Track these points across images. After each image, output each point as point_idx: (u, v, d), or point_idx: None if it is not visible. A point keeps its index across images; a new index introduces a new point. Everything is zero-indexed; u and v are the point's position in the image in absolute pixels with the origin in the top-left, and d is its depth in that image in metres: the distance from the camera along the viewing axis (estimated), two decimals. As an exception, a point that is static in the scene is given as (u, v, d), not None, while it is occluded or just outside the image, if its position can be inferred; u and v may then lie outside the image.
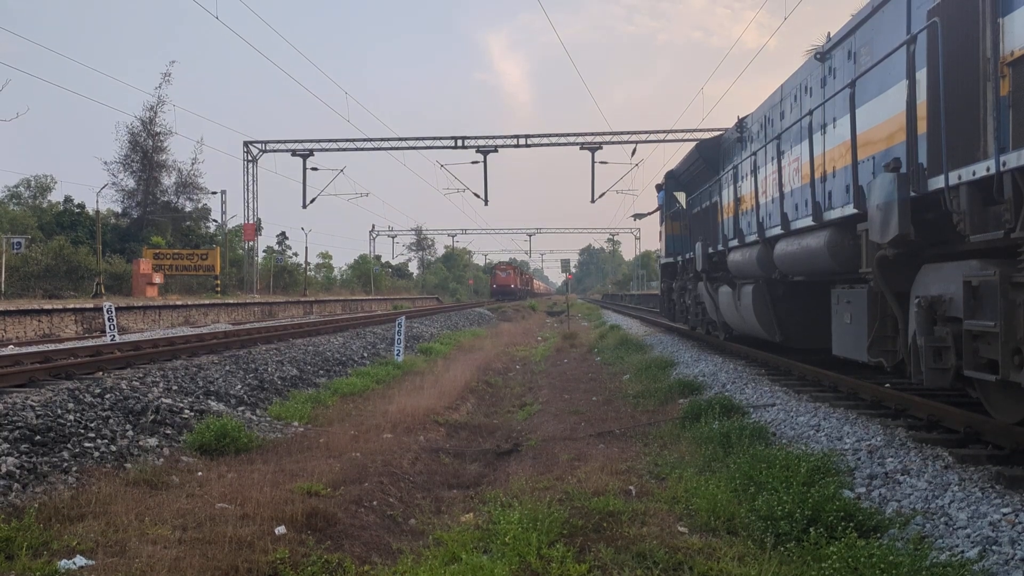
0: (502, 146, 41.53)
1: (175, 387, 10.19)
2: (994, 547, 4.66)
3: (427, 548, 5.53)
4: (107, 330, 17.96)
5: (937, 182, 6.37)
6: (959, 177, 5.99)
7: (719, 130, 27.97)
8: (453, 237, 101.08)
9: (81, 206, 51.94)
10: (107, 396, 8.71)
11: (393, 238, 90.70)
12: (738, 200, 13.88)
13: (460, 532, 5.70)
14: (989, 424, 6.70)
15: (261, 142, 44.20)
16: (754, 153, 12.57)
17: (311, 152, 42.84)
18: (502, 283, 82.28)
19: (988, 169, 5.56)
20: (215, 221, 60.97)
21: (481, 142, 41.37)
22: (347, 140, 42.95)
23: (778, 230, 10.93)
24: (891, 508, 5.66)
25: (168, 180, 56.09)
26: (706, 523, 5.65)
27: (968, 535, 4.91)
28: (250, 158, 44.09)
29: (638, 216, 38.97)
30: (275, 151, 44.16)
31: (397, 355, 17.53)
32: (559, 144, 41.96)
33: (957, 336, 6.18)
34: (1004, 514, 5.02)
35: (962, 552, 4.72)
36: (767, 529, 5.34)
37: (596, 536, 5.43)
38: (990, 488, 5.55)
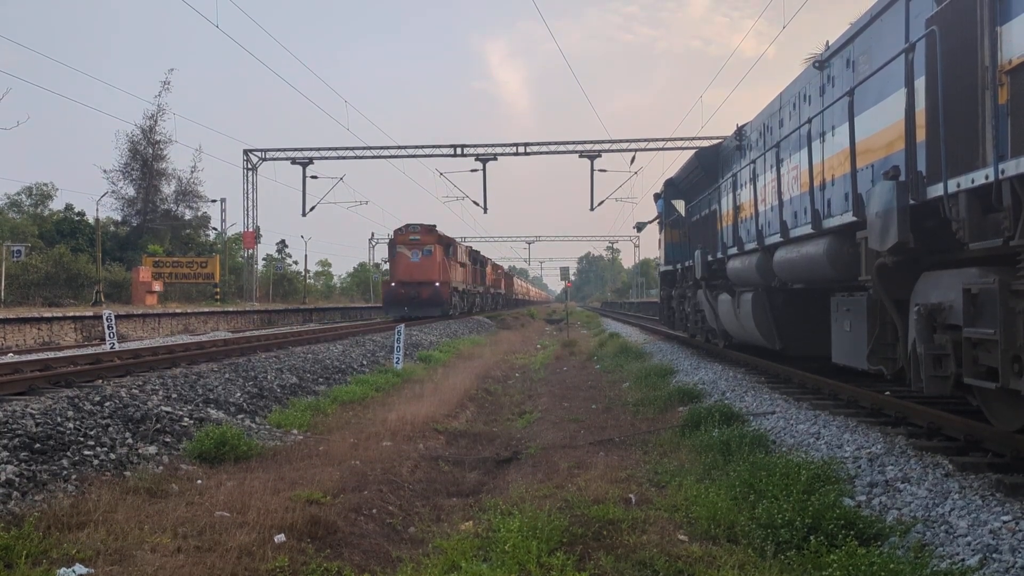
0: (501, 154, 41.57)
1: (175, 395, 10.18)
2: (995, 555, 4.66)
3: (427, 556, 5.52)
4: (107, 338, 17.94)
5: (936, 190, 6.38)
6: (958, 185, 6.00)
7: (718, 138, 28.03)
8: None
9: (81, 214, 52.02)
10: (107, 404, 8.70)
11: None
12: (737, 208, 13.90)
13: (460, 540, 5.69)
14: (989, 432, 6.70)
15: (261, 150, 44.26)
16: (753, 161, 12.59)
17: (311, 160, 42.88)
18: (408, 278, 36.10)
19: (987, 177, 5.57)
20: (215, 229, 61.02)
21: (480, 150, 41.42)
22: (347, 148, 43.01)
23: (777, 238, 10.94)
24: (892, 516, 5.66)
25: (168, 188, 56.16)
26: (706, 531, 5.64)
27: (969, 543, 4.91)
28: (250, 166, 44.13)
29: (640, 226, 37.70)
30: (275, 159, 44.20)
31: (396, 363, 17.52)
32: (558, 152, 42.00)
33: (957, 344, 6.18)
34: (1004, 522, 5.02)
35: (963, 560, 4.72)
36: (767, 537, 5.33)
37: (596, 544, 5.42)
38: (990, 496, 5.54)
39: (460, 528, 6.24)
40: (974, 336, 5.82)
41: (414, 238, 36.62)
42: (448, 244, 39.26)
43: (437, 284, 36.04)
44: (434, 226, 37.17)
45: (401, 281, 36.18)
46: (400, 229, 37.23)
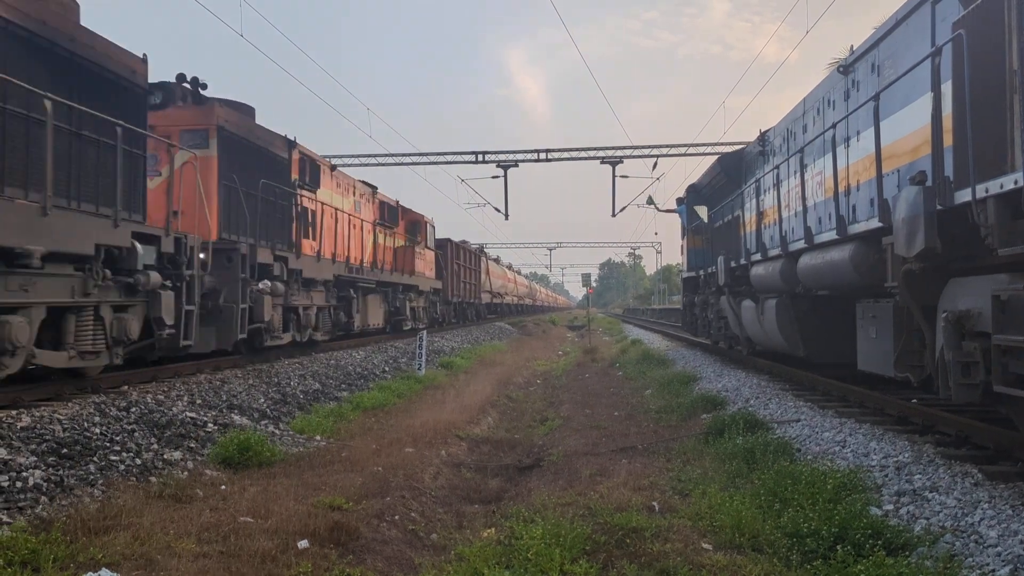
0: (523, 161, 41.50)
1: (199, 401, 10.26)
2: (1026, 566, 4.58)
3: (449, 563, 5.52)
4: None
5: (964, 195, 6.31)
6: (986, 190, 5.92)
7: (741, 143, 27.84)
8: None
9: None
10: (132, 410, 8.78)
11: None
12: (760, 214, 13.81)
13: (482, 547, 5.69)
14: (1019, 440, 6.60)
15: (284, 158, 44.52)
16: (776, 167, 12.51)
17: (334, 167, 43.08)
18: None
19: (1016, 182, 5.50)
20: (238, 236, 61.46)
21: (501, 157, 41.38)
22: (369, 156, 43.12)
23: (801, 244, 10.86)
24: (920, 525, 5.57)
25: (193, 196, 56.71)
26: (731, 540, 5.59)
27: (999, 553, 4.82)
28: (273, 174, 44.43)
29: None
30: (298, 167, 44.45)
31: (419, 369, 17.55)
32: (579, 159, 41.93)
33: (986, 351, 6.09)
34: (1036, 532, 4.93)
35: (992, 570, 4.64)
36: (793, 546, 5.28)
37: (619, 552, 5.39)
38: (1021, 505, 5.45)
39: (482, 535, 6.23)
40: (1004, 343, 5.72)
41: None
42: None
43: None
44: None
45: None
46: None
